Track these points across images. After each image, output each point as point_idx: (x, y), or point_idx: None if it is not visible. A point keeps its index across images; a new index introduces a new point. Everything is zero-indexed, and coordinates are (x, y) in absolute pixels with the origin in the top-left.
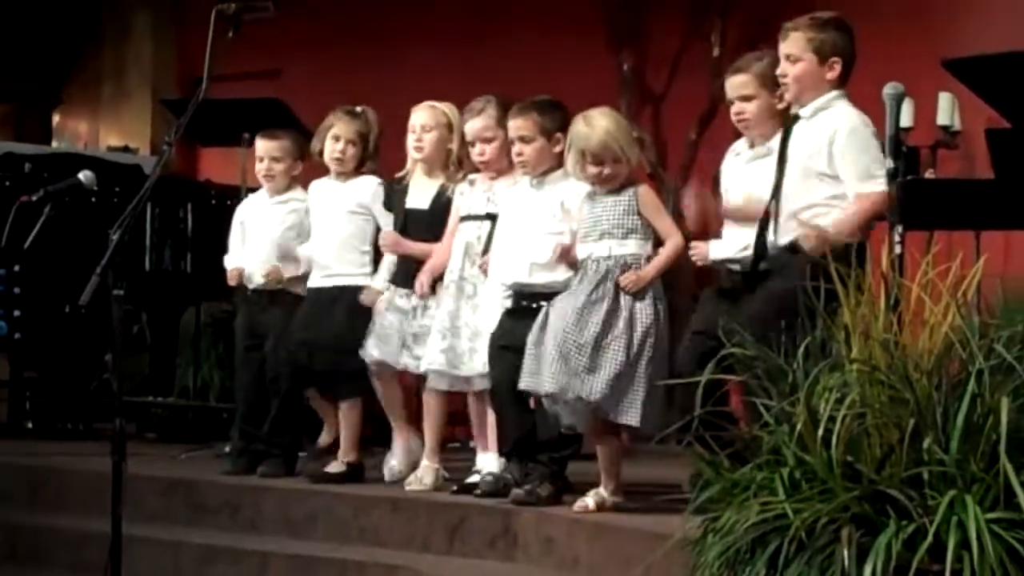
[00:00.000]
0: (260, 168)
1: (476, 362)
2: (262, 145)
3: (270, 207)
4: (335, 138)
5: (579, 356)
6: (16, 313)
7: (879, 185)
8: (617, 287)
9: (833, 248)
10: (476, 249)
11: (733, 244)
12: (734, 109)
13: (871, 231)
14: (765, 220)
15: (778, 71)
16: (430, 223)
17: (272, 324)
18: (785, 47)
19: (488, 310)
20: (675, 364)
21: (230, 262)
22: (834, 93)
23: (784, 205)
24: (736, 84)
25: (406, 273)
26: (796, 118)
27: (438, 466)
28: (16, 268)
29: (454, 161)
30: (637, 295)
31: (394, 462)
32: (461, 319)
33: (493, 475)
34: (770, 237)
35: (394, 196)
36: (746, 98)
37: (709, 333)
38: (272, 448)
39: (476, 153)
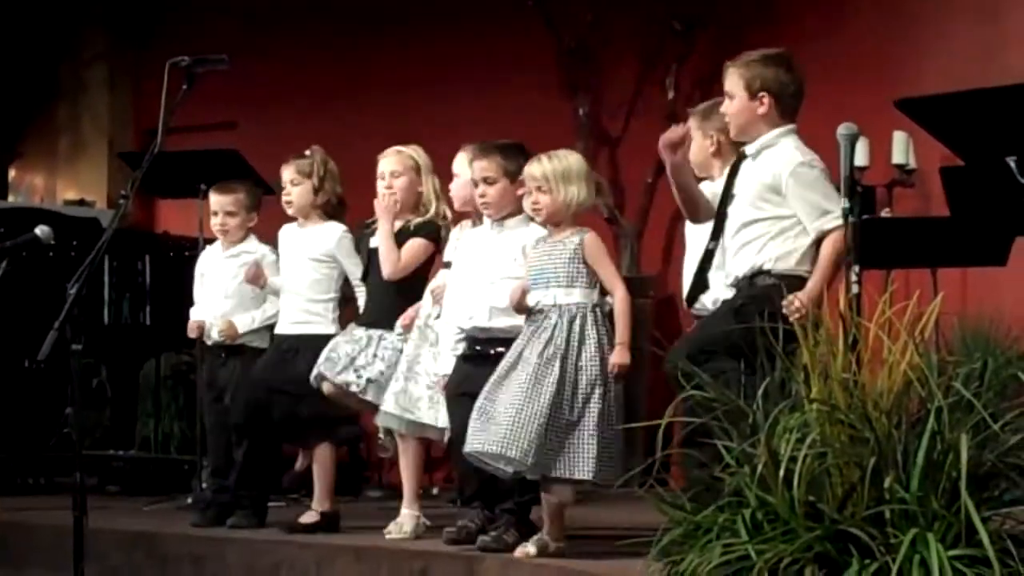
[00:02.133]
0: (215, 222)
1: (433, 410)
2: (216, 199)
3: (223, 260)
4: (290, 182)
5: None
6: None
7: (835, 220)
8: (567, 346)
9: (788, 286)
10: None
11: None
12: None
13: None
14: (707, 256)
15: (721, 108)
16: None
17: (231, 377)
18: (726, 84)
19: (443, 354)
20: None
21: (193, 314)
22: (780, 130)
23: (728, 237)
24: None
25: (367, 312)
26: (743, 156)
27: (418, 513)
28: None
29: (425, 203)
30: (583, 344)
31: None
32: (420, 364)
33: (456, 525)
34: (712, 274)
35: (362, 239)
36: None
37: None
38: (241, 499)
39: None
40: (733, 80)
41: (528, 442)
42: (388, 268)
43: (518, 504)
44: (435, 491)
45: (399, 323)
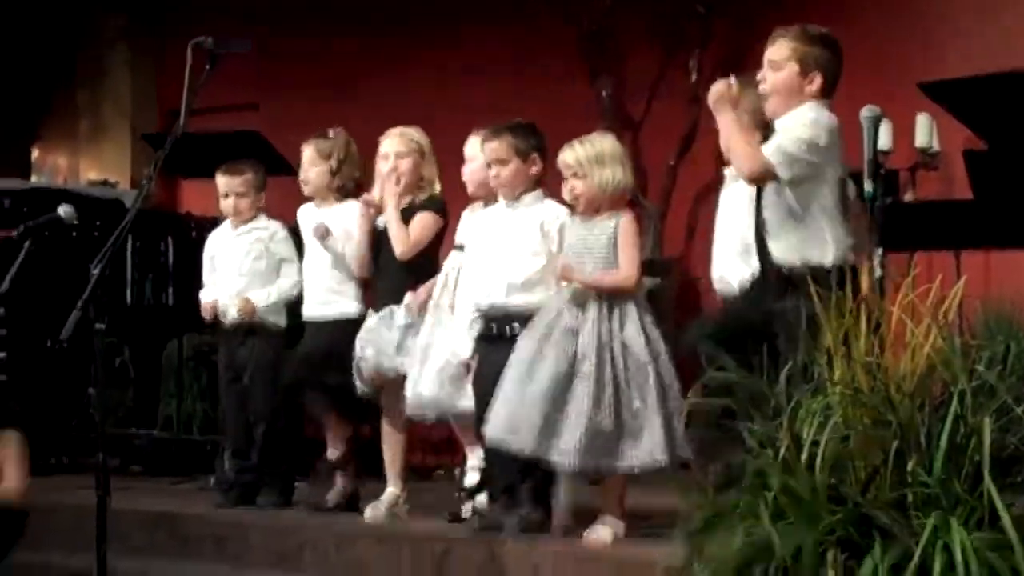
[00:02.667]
0: (225, 204)
1: (431, 387)
2: (224, 181)
3: (235, 239)
4: (310, 163)
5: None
6: (2, 355)
7: (771, 158)
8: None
9: (813, 271)
10: (453, 279)
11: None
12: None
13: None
14: (761, 240)
15: (759, 75)
16: None
17: (249, 357)
18: (770, 52)
19: (457, 336)
20: None
21: (204, 296)
22: (812, 104)
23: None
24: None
25: (381, 292)
26: (772, 131)
27: (399, 491)
28: (1, 311)
29: (426, 184)
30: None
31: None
32: (434, 348)
33: (484, 515)
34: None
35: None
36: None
37: None
38: (266, 478)
39: (491, 176)
40: (783, 51)
41: (575, 444)
42: (400, 247)
43: (537, 480)
44: (441, 472)
45: (407, 299)
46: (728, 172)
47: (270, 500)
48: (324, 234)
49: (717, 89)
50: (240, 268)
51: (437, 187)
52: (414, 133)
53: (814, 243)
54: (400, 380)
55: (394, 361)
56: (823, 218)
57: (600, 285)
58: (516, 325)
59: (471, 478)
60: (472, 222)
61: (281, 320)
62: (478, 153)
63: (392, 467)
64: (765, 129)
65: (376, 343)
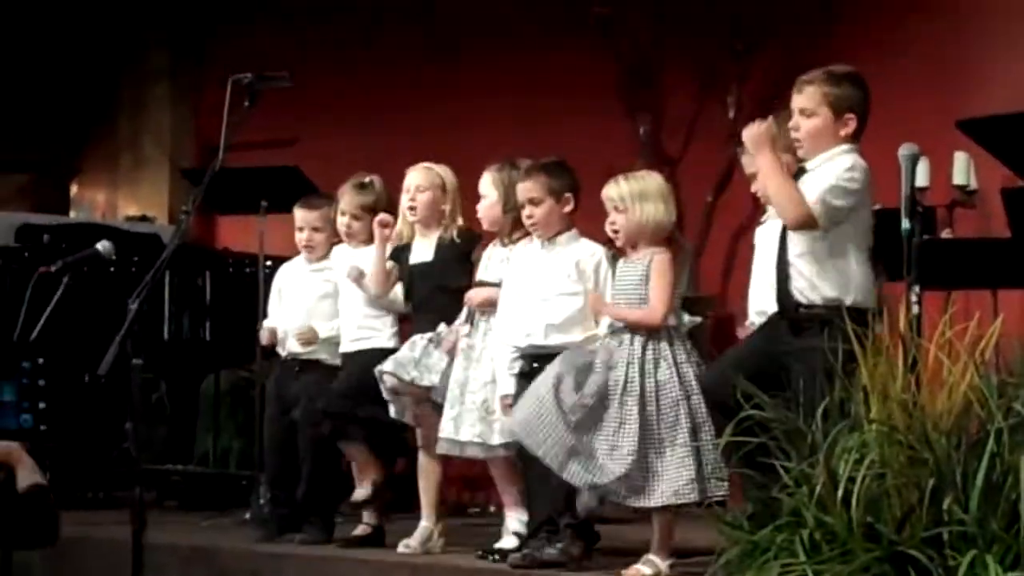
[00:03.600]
0: (301, 238)
1: (467, 430)
2: (301, 215)
3: (307, 274)
4: (342, 212)
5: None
6: (41, 405)
7: (813, 208)
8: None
9: (849, 310)
10: (479, 313)
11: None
12: (752, 187)
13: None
14: (783, 277)
15: (791, 124)
16: (436, 273)
17: (302, 392)
18: (799, 101)
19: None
20: None
21: (267, 323)
22: (845, 147)
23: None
24: (746, 163)
25: (416, 328)
26: (803, 171)
27: (431, 525)
28: (40, 360)
29: (447, 221)
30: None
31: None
32: (469, 386)
33: (522, 552)
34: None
35: (400, 257)
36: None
37: None
38: (309, 514)
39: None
40: (815, 98)
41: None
42: (375, 286)
43: (576, 515)
44: (492, 509)
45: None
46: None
47: (313, 536)
48: (359, 277)
49: (755, 131)
50: (308, 305)
51: (459, 221)
52: (438, 169)
53: (839, 283)
54: (435, 412)
55: (411, 373)
56: (851, 259)
57: (626, 318)
58: None
59: (507, 542)
60: (495, 260)
61: (336, 358)
62: (491, 190)
63: (426, 500)
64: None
65: (395, 358)
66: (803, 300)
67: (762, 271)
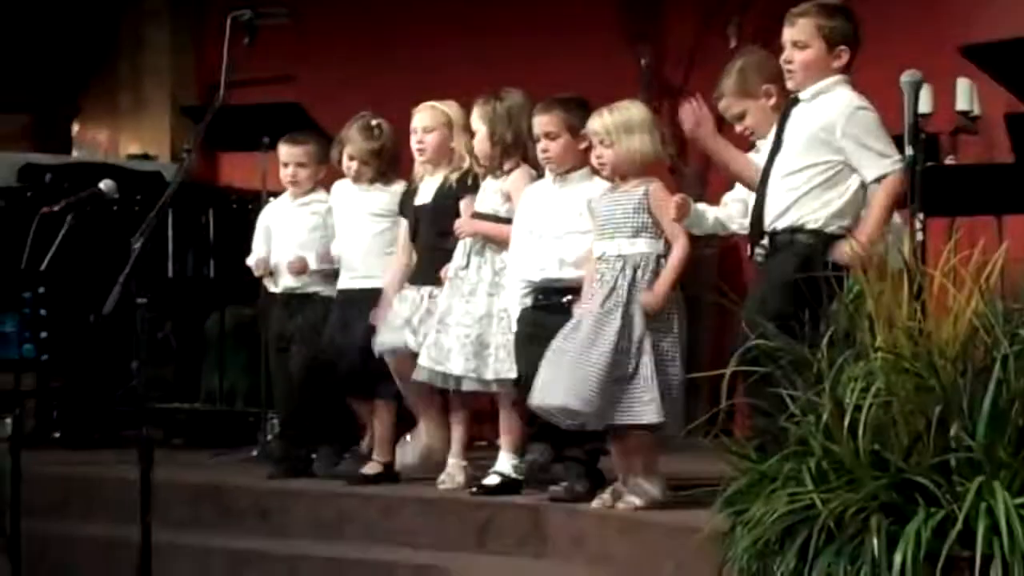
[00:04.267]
0: (285, 174)
1: (460, 364)
2: (286, 151)
3: (294, 209)
4: (350, 156)
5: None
6: (43, 334)
7: (893, 166)
8: (629, 295)
9: (824, 242)
10: (476, 247)
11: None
12: (737, 129)
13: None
14: (759, 202)
15: (783, 58)
16: (434, 218)
17: (300, 327)
18: (792, 34)
19: (486, 307)
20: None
21: (252, 259)
22: (836, 77)
23: (778, 181)
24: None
25: (418, 270)
26: (795, 101)
27: (466, 463)
28: (41, 290)
29: (460, 156)
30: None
31: (409, 451)
32: (451, 316)
33: (525, 460)
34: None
35: (407, 198)
36: (739, 116)
37: None
38: (322, 445)
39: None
40: (807, 30)
41: (589, 392)
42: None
43: (585, 451)
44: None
45: (443, 275)
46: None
47: (325, 464)
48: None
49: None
50: (299, 239)
51: (467, 162)
52: (444, 107)
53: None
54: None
55: (398, 336)
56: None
57: (675, 276)
58: (569, 296)
59: (492, 479)
60: (488, 191)
61: (332, 291)
62: (480, 125)
63: (457, 441)
64: (781, 82)
65: (386, 320)
66: (810, 225)
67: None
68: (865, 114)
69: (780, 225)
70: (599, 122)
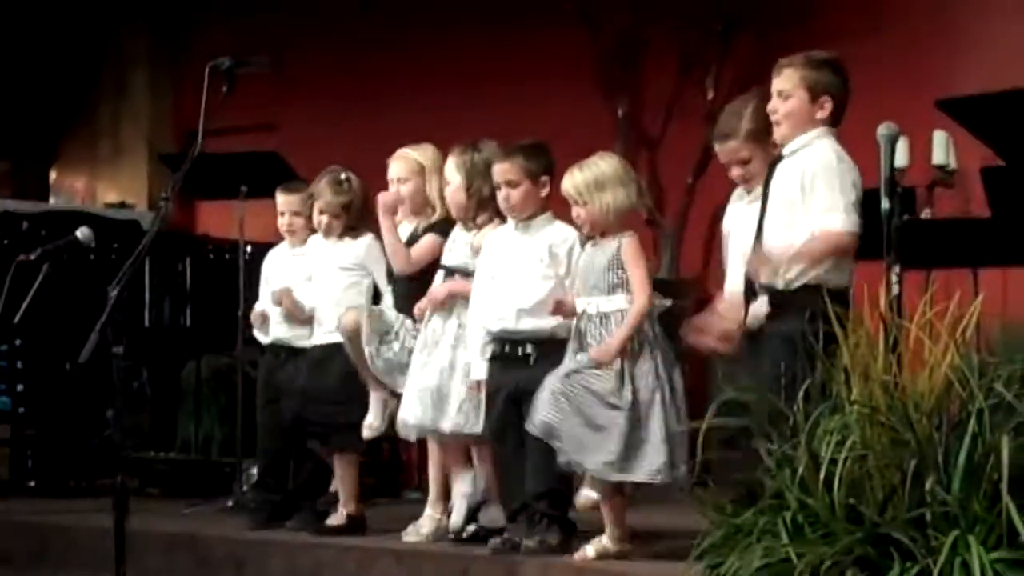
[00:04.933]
0: (281, 223)
1: (418, 409)
2: (282, 199)
3: (290, 258)
4: (320, 210)
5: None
6: (19, 387)
7: (838, 223)
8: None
9: (830, 291)
10: (451, 304)
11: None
12: (733, 173)
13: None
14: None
15: (769, 107)
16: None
17: (289, 380)
18: (778, 83)
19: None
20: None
21: (257, 307)
22: (818, 130)
23: (766, 244)
24: (730, 151)
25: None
26: (779, 158)
27: (440, 516)
28: (17, 342)
29: (431, 204)
30: (623, 358)
31: (370, 418)
32: (414, 367)
33: (501, 538)
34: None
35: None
36: (744, 161)
37: None
38: (300, 502)
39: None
40: (792, 80)
41: (611, 454)
42: (399, 264)
43: (555, 505)
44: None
45: (416, 310)
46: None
47: (303, 524)
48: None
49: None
50: (294, 289)
51: (439, 208)
52: (416, 154)
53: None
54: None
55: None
56: None
57: (632, 330)
58: (528, 346)
59: (458, 512)
60: (459, 243)
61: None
62: (454, 175)
63: (434, 488)
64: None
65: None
66: (779, 283)
67: (739, 255)
68: (841, 167)
69: (780, 284)
70: (570, 182)
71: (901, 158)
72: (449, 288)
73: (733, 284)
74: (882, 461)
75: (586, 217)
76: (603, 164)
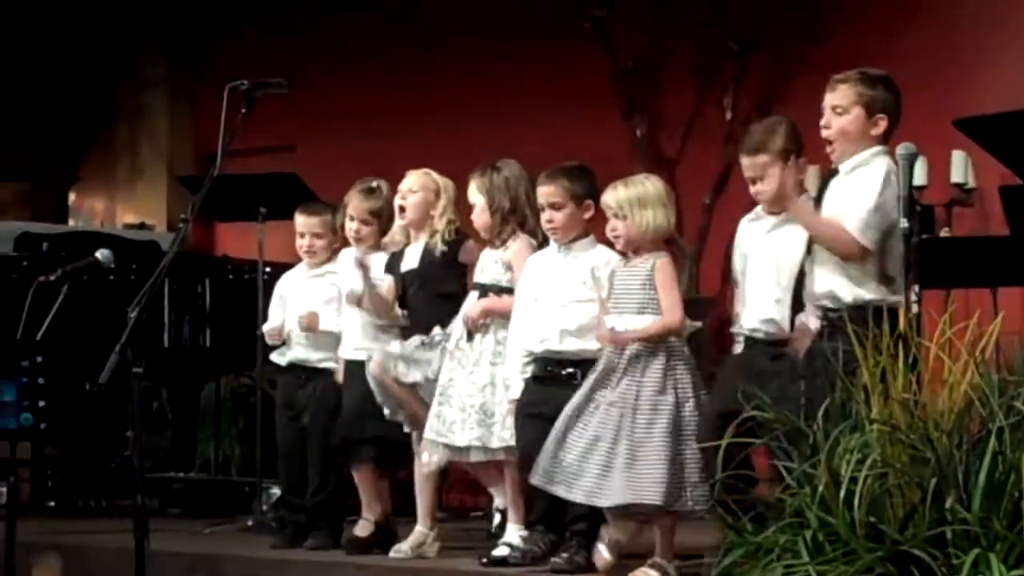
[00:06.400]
0: (302, 244)
1: (466, 434)
2: (303, 221)
3: (308, 280)
4: (350, 217)
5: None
6: (41, 403)
7: (857, 231)
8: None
9: (850, 309)
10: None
11: (756, 313)
12: (753, 189)
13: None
14: (799, 283)
15: (822, 122)
16: (422, 283)
17: (310, 398)
18: (832, 98)
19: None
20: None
21: (267, 326)
22: (875, 149)
23: (816, 265)
24: (755, 165)
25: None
26: (834, 172)
27: (427, 529)
28: (39, 359)
29: (436, 227)
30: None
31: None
32: (454, 387)
33: (519, 549)
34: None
35: (394, 263)
36: (763, 178)
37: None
38: (317, 521)
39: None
40: (848, 96)
41: (656, 483)
42: (378, 311)
43: (585, 525)
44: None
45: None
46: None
47: (320, 542)
48: (359, 302)
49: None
50: (312, 309)
51: (440, 226)
52: (436, 175)
53: (860, 284)
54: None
55: (397, 368)
56: (872, 260)
57: (648, 335)
58: (570, 368)
59: (500, 551)
60: (489, 262)
61: (341, 362)
62: (477, 197)
63: (422, 505)
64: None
65: (386, 350)
66: (829, 304)
67: (764, 277)
68: (887, 192)
69: (832, 303)
70: (613, 196)
71: (920, 177)
72: (483, 306)
73: (759, 306)
74: (902, 479)
75: (624, 231)
76: (648, 183)
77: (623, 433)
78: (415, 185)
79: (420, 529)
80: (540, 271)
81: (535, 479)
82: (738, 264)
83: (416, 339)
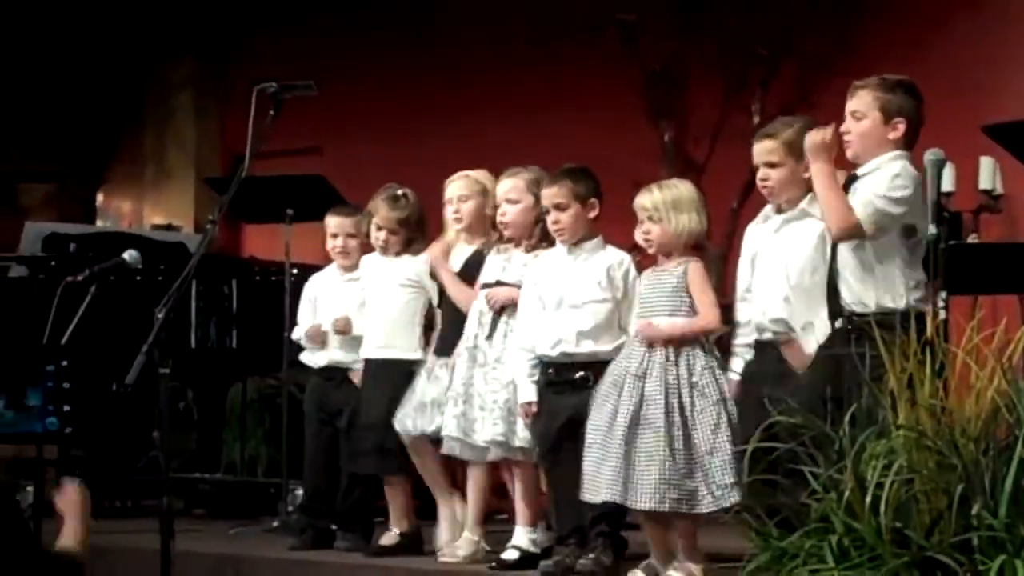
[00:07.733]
0: (336, 244)
1: (488, 430)
2: (337, 221)
3: (342, 284)
4: (377, 226)
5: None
6: (66, 408)
7: (863, 214)
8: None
9: (884, 317)
10: (502, 317)
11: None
12: (759, 175)
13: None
14: (833, 286)
15: (843, 128)
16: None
17: (346, 401)
18: (852, 104)
19: (522, 383)
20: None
21: (300, 331)
22: (894, 153)
23: (848, 259)
24: (762, 150)
25: (445, 340)
26: (855, 177)
27: (478, 538)
28: (64, 363)
29: (491, 227)
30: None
31: (442, 534)
32: (474, 387)
33: (553, 560)
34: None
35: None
36: (771, 164)
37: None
38: (349, 523)
39: (499, 214)
40: (865, 101)
41: (667, 486)
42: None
43: (609, 525)
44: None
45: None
46: (766, 211)
47: (351, 543)
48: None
49: (818, 138)
50: (347, 313)
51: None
52: (478, 175)
53: (887, 290)
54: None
55: (416, 424)
56: (899, 266)
57: (686, 333)
58: (582, 372)
59: (509, 554)
60: (515, 262)
61: (360, 363)
62: (526, 195)
63: (473, 511)
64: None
65: (402, 413)
66: (854, 308)
67: (774, 275)
68: (896, 182)
69: (859, 308)
70: (648, 198)
71: (947, 183)
72: (507, 294)
73: (768, 305)
74: (929, 485)
75: (658, 235)
76: (683, 187)
77: (675, 438)
78: (465, 192)
79: (470, 536)
80: (548, 274)
81: (599, 496)
82: (745, 270)
83: (423, 375)
